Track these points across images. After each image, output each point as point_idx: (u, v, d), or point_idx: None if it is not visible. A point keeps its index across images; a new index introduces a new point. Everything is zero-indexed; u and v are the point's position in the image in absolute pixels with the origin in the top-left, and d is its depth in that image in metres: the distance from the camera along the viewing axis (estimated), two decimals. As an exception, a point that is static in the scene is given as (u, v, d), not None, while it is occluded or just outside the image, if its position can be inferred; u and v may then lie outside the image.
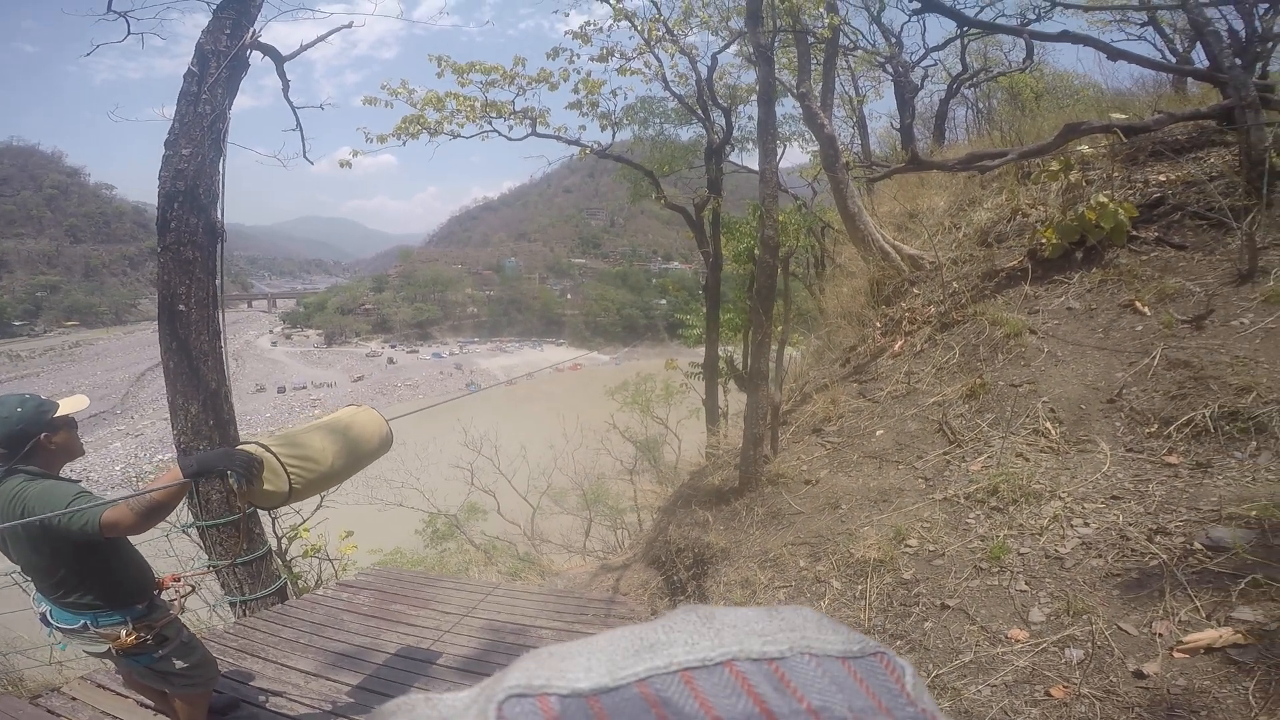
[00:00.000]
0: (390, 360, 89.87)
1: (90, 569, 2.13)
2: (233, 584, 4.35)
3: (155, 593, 2.36)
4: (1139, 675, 1.89)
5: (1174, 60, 7.49)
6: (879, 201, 7.92)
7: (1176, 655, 1.90)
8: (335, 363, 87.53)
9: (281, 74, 4.82)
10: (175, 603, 2.44)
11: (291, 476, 2.00)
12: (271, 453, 1.99)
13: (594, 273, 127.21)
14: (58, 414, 2.11)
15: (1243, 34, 4.98)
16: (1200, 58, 5.76)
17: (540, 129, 8.22)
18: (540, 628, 3.80)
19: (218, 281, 4.17)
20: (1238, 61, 4.31)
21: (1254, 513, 2.23)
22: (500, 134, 8.11)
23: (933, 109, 11.83)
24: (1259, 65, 4.91)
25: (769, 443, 4.53)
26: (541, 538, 12.38)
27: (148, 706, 2.71)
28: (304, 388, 69.74)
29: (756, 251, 4.48)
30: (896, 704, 0.27)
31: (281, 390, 68.68)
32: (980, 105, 12.76)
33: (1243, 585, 1.99)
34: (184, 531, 4.41)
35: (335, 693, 3.02)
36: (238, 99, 4.26)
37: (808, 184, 12.48)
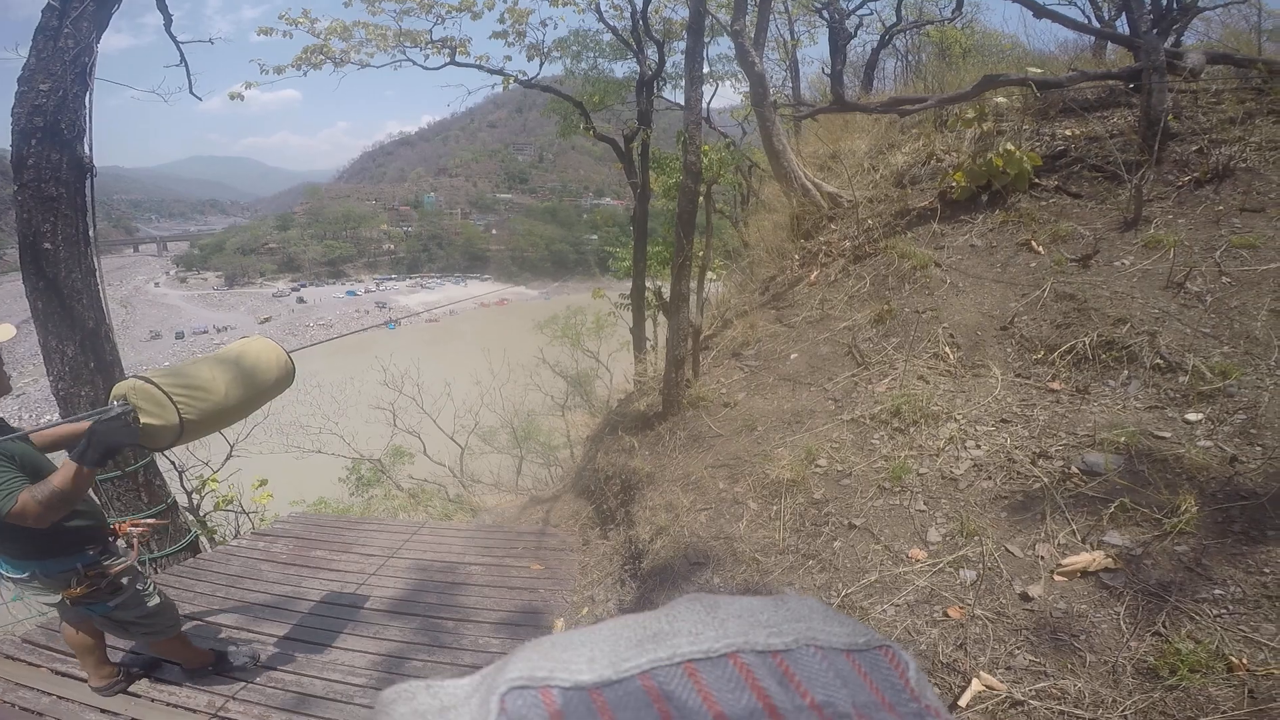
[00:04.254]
0: (300, 299, 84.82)
1: None
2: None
3: (110, 539, 2.28)
4: (1025, 598, 2.04)
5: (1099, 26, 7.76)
6: (805, 142, 7.97)
7: (1057, 578, 2.05)
8: (239, 304, 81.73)
9: (162, 8, 4.63)
10: (132, 548, 2.33)
11: (180, 407, 1.85)
12: (154, 384, 1.84)
13: (521, 208, 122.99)
14: None
15: (1164, 2, 5.23)
16: (1124, 27, 6.03)
17: (460, 58, 7.73)
18: (469, 564, 3.83)
19: (89, 219, 3.92)
20: (1154, 28, 4.53)
21: (1122, 439, 2.42)
22: (415, 63, 7.63)
23: (864, 58, 11.88)
24: (1174, 33, 5.21)
25: (690, 366, 4.62)
26: (472, 478, 12.29)
27: (62, 674, 2.62)
28: (205, 332, 64.90)
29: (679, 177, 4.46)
30: (900, 699, 0.27)
31: (180, 335, 63.69)
32: (910, 57, 12.91)
33: (1112, 510, 2.16)
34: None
35: (258, 644, 2.95)
36: (115, 39, 3.90)
37: (738, 124, 12.44)
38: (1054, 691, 1.73)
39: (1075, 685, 1.72)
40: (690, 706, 0.24)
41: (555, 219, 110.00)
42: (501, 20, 7.57)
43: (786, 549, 2.67)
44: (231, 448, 7.11)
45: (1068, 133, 4.65)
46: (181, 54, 5.04)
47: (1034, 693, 1.75)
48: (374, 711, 0.30)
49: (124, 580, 2.24)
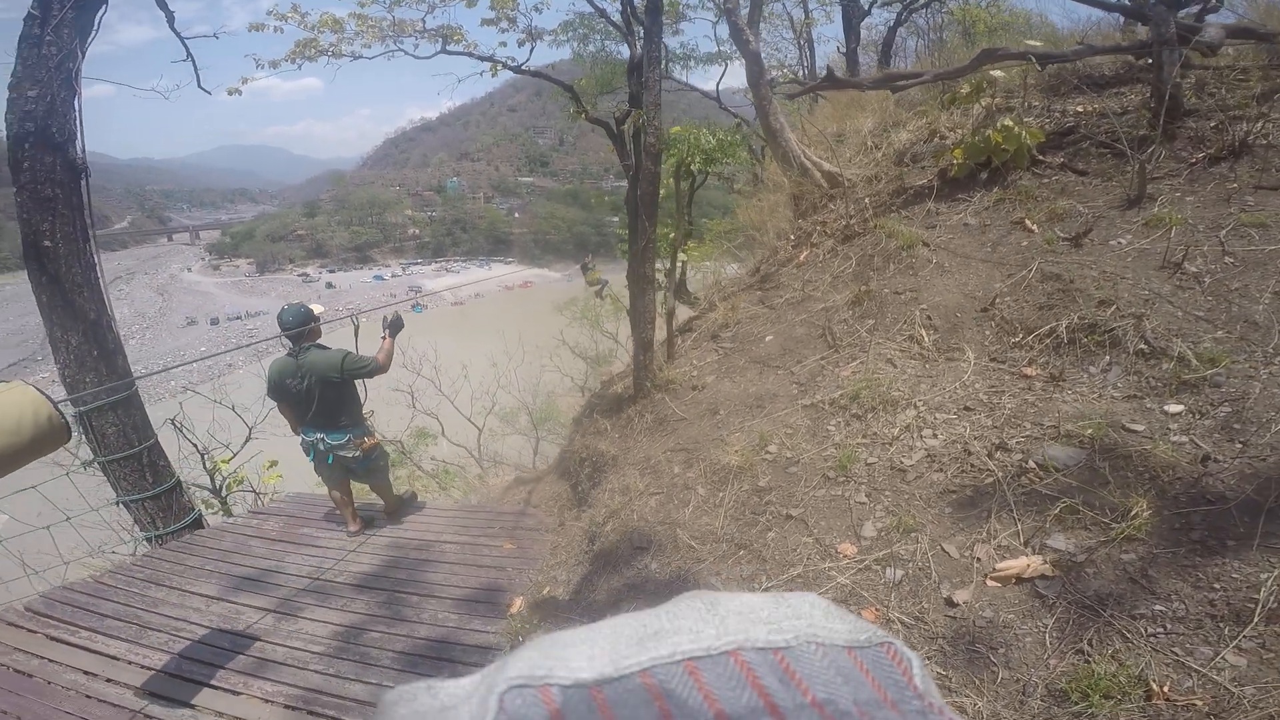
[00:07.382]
0: (329, 284, 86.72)
1: (352, 399, 3.77)
2: (145, 519, 4.32)
3: None
4: (950, 603, 1.89)
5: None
6: (814, 122, 7.80)
7: (989, 583, 1.90)
8: (270, 290, 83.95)
9: (163, 6, 4.84)
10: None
11: None
12: None
13: (543, 191, 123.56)
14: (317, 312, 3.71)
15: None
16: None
17: (451, 46, 7.69)
18: (445, 542, 3.92)
19: (86, 216, 4.14)
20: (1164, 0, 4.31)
21: (1089, 431, 2.22)
22: (407, 53, 7.63)
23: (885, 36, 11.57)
24: (1190, 6, 4.93)
25: (666, 349, 4.59)
26: (493, 459, 12.43)
27: (54, 639, 2.74)
28: (239, 318, 66.72)
29: (644, 161, 4.38)
30: (903, 696, 0.26)
31: (214, 322, 65.71)
32: (933, 36, 12.50)
33: (1058, 510, 1.99)
34: (84, 468, 4.30)
35: (234, 613, 3.12)
36: (138, 31, 4.11)
37: (751, 104, 12.22)
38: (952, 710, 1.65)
39: (976, 704, 1.61)
40: (690, 704, 0.24)
41: (576, 201, 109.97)
42: (493, 7, 7.51)
43: (722, 537, 2.61)
44: (250, 429, 7.30)
45: (1079, 109, 4.46)
46: (187, 49, 5.22)
47: (929, 710, 1.66)
48: (376, 713, 0.29)
49: (380, 440, 3.87)
